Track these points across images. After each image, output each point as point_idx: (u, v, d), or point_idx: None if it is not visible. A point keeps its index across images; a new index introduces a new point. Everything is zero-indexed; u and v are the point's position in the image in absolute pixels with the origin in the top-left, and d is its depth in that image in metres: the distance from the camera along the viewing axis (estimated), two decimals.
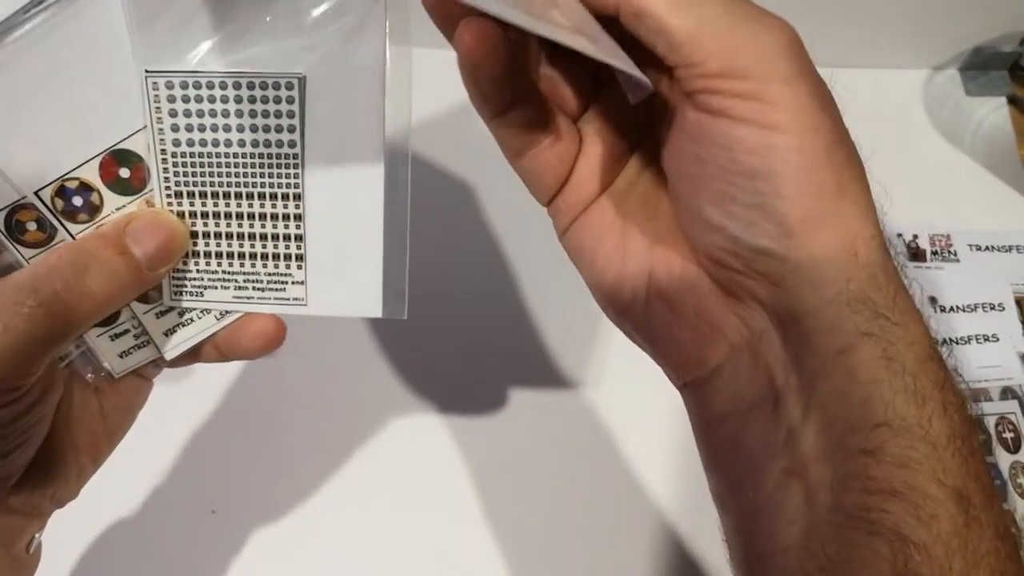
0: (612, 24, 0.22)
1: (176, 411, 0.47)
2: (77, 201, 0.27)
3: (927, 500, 0.19)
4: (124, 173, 0.27)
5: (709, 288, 0.23)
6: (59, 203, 0.26)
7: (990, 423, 0.49)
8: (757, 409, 0.22)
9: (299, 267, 0.28)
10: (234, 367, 0.49)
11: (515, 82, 0.24)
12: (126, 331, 0.28)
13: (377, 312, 0.28)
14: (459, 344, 0.51)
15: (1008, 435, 0.49)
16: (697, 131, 0.21)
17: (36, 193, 0.26)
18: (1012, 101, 0.61)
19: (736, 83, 0.20)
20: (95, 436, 0.29)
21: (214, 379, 0.49)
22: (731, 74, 0.20)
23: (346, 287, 0.28)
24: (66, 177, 0.26)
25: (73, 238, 0.27)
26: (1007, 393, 0.51)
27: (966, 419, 0.20)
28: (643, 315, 0.25)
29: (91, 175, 0.26)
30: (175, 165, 0.27)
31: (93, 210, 0.27)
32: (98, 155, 0.26)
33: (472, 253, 0.54)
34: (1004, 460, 0.48)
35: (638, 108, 0.23)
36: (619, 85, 0.25)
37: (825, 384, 0.20)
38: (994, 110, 0.61)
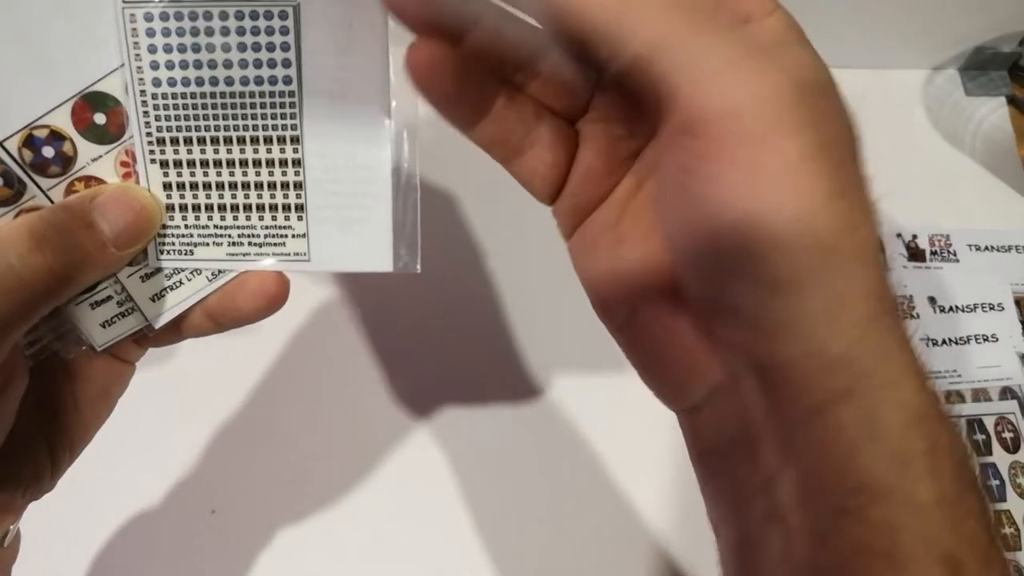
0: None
1: (176, 410, 0.47)
2: (48, 152, 0.24)
3: (911, 563, 0.18)
4: (100, 119, 0.24)
5: (693, 326, 0.22)
6: (27, 155, 0.24)
7: (989, 423, 0.49)
8: (738, 448, 0.21)
9: (299, 218, 0.25)
10: (234, 367, 0.48)
11: (477, 95, 0.22)
12: (108, 298, 0.25)
13: (387, 266, 0.25)
14: (461, 345, 0.50)
15: (1007, 435, 0.49)
16: (672, 178, 0.19)
17: (1, 144, 0.23)
18: (1012, 101, 0.61)
19: (700, 143, 0.18)
20: (68, 428, 0.26)
21: (215, 378, 0.48)
22: (695, 134, 0.18)
23: (352, 239, 0.25)
24: (34, 125, 0.24)
25: (45, 193, 0.24)
26: (1006, 393, 0.50)
27: (960, 480, 0.18)
28: (635, 339, 0.23)
29: (62, 122, 0.24)
30: (156, 108, 0.24)
31: (66, 162, 0.24)
32: (69, 99, 0.24)
33: (472, 256, 0.53)
34: (1003, 460, 0.48)
35: (644, 108, 0.20)
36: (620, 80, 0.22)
37: (802, 439, 0.19)
38: (994, 110, 0.60)
